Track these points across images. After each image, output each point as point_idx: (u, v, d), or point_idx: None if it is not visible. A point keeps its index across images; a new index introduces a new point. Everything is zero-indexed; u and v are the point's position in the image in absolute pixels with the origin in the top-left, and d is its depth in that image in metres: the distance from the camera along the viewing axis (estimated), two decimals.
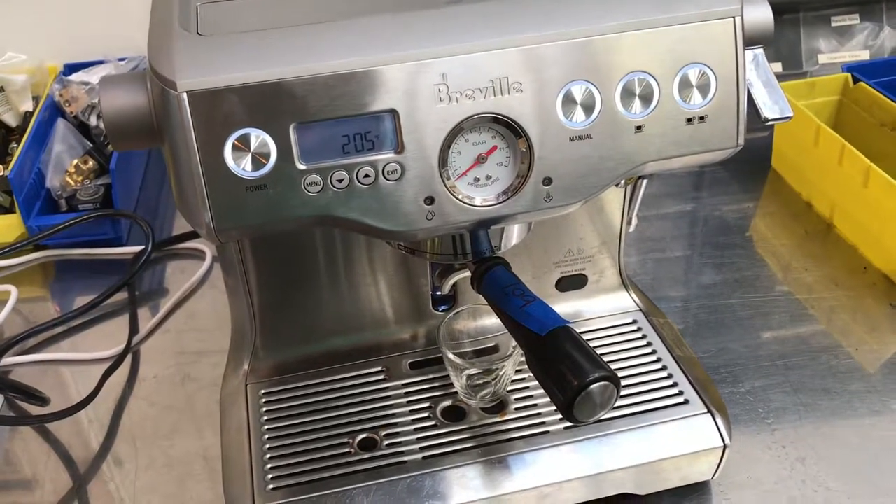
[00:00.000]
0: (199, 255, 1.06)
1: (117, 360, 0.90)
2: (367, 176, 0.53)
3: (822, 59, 1.28)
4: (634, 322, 0.81)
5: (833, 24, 1.29)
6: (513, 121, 0.54)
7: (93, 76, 1.15)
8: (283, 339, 0.77)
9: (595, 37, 0.54)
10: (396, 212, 0.54)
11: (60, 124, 1.10)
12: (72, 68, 1.20)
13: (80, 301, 0.98)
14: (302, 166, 0.52)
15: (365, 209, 0.54)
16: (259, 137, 0.51)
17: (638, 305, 0.83)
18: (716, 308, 0.94)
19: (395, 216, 0.54)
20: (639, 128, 0.56)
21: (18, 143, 1.06)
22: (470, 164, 0.55)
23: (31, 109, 1.16)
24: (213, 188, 0.51)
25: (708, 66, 0.56)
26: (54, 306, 1.01)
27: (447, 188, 0.55)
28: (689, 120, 0.56)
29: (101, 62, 1.19)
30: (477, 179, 0.56)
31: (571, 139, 0.55)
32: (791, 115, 0.60)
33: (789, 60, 1.28)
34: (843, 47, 1.30)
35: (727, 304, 0.95)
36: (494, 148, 0.55)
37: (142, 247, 1.03)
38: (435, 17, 0.54)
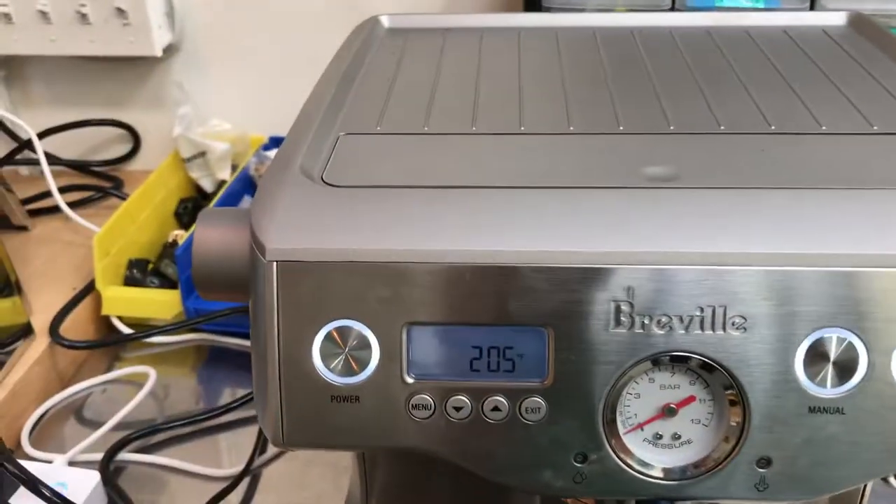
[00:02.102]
0: None
1: (230, 485, 0.79)
2: (496, 409, 0.38)
3: None
4: None
5: None
6: (726, 369, 0.36)
7: None
8: None
9: (878, 269, 0.35)
10: (531, 466, 0.38)
11: (246, 201, 1.04)
12: (276, 142, 1.15)
13: (223, 397, 0.90)
14: (410, 380, 0.38)
15: (486, 455, 0.38)
16: (359, 334, 0.37)
17: None
18: None
19: (528, 471, 0.38)
20: None
21: None
22: (652, 415, 0.38)
23: (226, 179, 1.12)
24: (291, 388, 0.38)
25: None
26: (196, 397, 0.93)
27: (611, 446, 0.38)
28: None
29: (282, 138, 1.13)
30: (658, 437, 0.39)
31: (812, 410, 0.37)
32: None
33: None
34: None
35: None
36: (691, 399, 0.38)
37: None
38: (632, 202, 0.38)
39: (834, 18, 0.60)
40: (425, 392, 0.38)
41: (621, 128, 0.45)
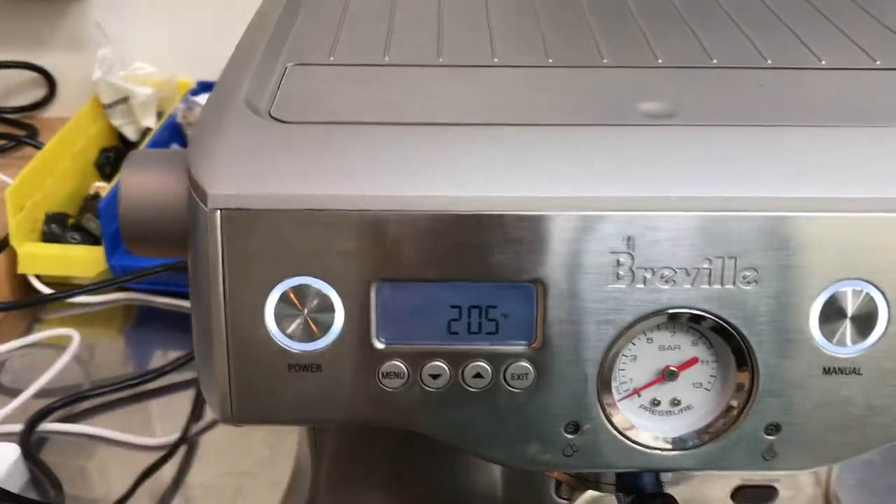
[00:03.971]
0: None
1: (166, 455, 0.74)
2: (478, 376, 0.33)
3: None
4: None
5: None
6: (734, 327, 0.33)
7: None
8: (347, 493, 0.58)
9: None
10: (517, 437, 0.34)
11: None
12: (205, 87, 1.08)
13: (154, 360, 0.84)
14: (380, 346, 0.33)
15: (466, 426, 0.34)
16: (320, 293, 0.32)
17: None
18: None
19: (514, 444, 0.34)
20: None
21: None
22: (650, 379, 0.34)
23: (152, 126, 1.04)
24: (240, 357, 0.33)
25: None
26: (126, 361, 0.87)
27: (605, 415, 0.34)
28: None
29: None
30: (656, 403, 0.35)
31: (827, 371, 0.33)
32: None
33: None
34: None
35: None
36: (694, 361, 0.34)
37: None
38: (630, 141, 0.34)
39: None
40: (397, 358, 0.33)
41: (605, 60, 0.41)
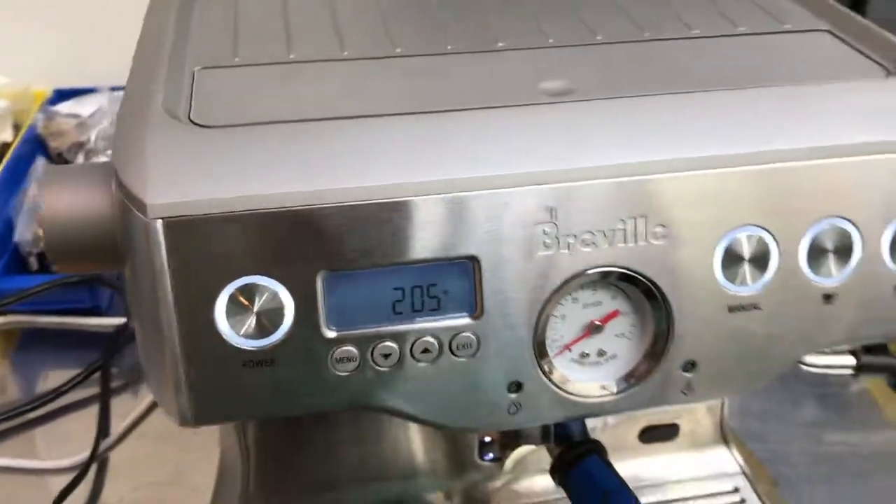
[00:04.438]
0: None
1: (78, 475, 0.72)
2: (426, 351, 0.35)
3: None
4: (736, 491, 0.63)
5: None
6: (650, 280, 0.36)
7: (84, 107, 0.98)
8: (282, 488, 0.59)
9: (780, 164, 0.36)
10: (465, 402, 0.36)
11: (40, 164, 0.93)
12: (62, 95, 1.03)
13: (46, 381, 0.81)
14: (331, 334, 0.34)
15: (418, 397, 0.36)
16: (268, 290, 0.33)
17: (741, 468, 0.64)
18: (820, 456, 0.76)
19: (461, 408, 0.36)
20: (828, 297, 0.38)
21: None
22: (577, 335, 0.37)
23: (9, 140, 0.99)
24: (194, 361, 0.34)
25: None
26: (15, 386, 0.83)
27: (542, 371, 0.37)
28: None
29: (92, 90, 1.02)
30: (584, 355, 0.38)
31: (731, 309, 0.37)
32: None
33: None
34: None
35: (837, 452, 0.76)
36: (615, 313, 0.38)
37: (123, 319, 0.85)
38: (541, 118, 0.36)
39: None
40: (348, 344, 0.35)
41: (501, 44, 0.43)
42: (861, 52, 0.43)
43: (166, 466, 0.75)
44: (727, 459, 0.65)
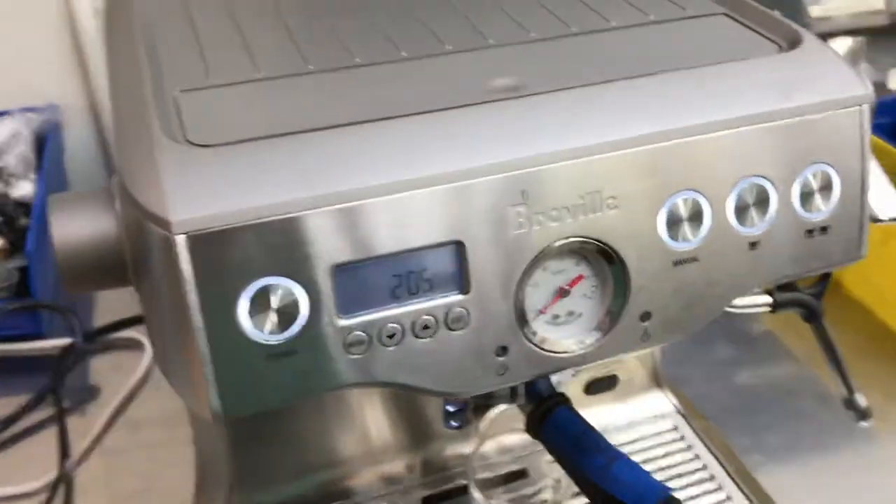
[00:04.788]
0: (136, 345, 0.89)
1: (49, 497, 0.73)
2: (426, 328, 0.40)
3: None
4: (675, 429, 0.70)
5: None
6: (608, 245, 0.42)
7: None
8: (265, 477, 0.62)
9: (706, 135, 0.42)
10: (462, 369, 0.41)
11: None
12: None
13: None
14: (343, 322, 0.39)
15: (424, 369, 0.41)
16: (285, 289, 0.37)
17: (676, 408, 0.72)
18: (740, 391, 0.84)
19: (460, 375, 0.41)
20: (753, 244, 0.45)
21: None
22: (550, 300, 0.43)
23: None
24: (222, 359, 0.37)
25: (831, 166, 0.45)
26: None
27: (524, 334, 0.42)
28: (810, 231, 0.46)
29: (3, 114, 1.01)
30: (556, 317, 0.43)
31: (676, 263, 0.43)
32: None
33: None
34: None
35: (752, 384, 0.85)
36: (580, 278, 0.43)
37: (67, 340, 0.86)
38: (503, 114, 0.41)
39: None
40: (358, 329, 0.39)
41: (449, 47, 0.48)
42: (757, 32, 0.50)
43: (135, 477, 0.77)
44: (663, 402, 0.72)
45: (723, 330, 0.91)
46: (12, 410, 0.80)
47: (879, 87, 1.26)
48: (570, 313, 0.44)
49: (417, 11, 0.52)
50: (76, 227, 0.39)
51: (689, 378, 0.85)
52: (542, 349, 0.43)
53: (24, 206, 0.91)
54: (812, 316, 0.60)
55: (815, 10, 1.14)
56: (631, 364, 0.71)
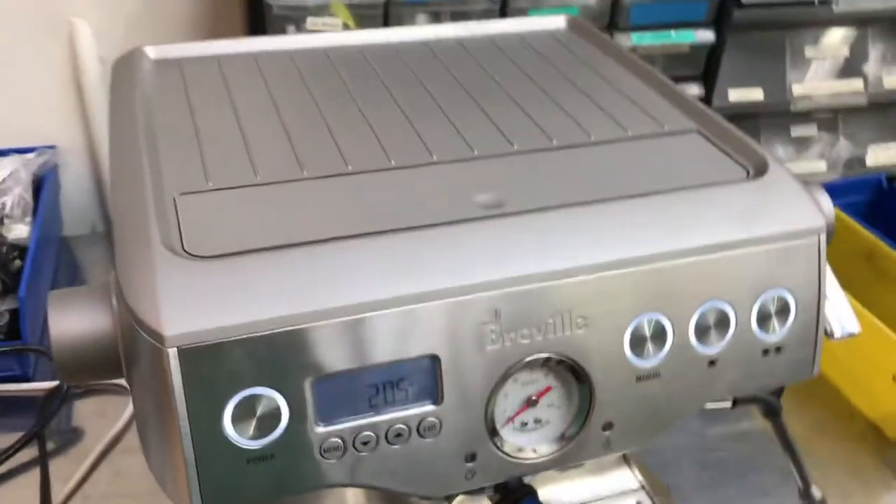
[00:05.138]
0: (121, 390, 0.91)
1: None
2: (398, 435, 0.43)
3: None
4: None
5: (792, 135, 1.26)
6: (576, 362, 0.45)
7: None
8: None
9: (672, 261, 0.45)
10: (431, 474, 0.44)
11: None
12: None
13: None
14: (320, 429, 0.41)
15: (393, 473, 0.43)
16: (267, 398, 0.40)
17: (641, 484, 0.74)
18: (707, 462, 0.87)
19: (428, 479, 0.44)
20: (712, 363, 0.47)
21: None
22: (518, 409, 0.45)
23: None
24: (205, 462, 0.40)
25: (789, 291, 0.48)
26: None
27: (492, 442, 0.45)
28: (766, 351, 0.48)
29: (2, 154, 1.03)
30: (525, 424, 0.46)
31: (639, 379, 0.46)
32: (858, 331, 0.53)
33: None
34: (800, 156, 1.27)
35: (719, 458, 0.88)
36: (548, 389, 0.46)
37: (53, 383, 0.88)
38: (482, 234, 0.44)
39: (556, 22, 0.70)
40: (334, 436, 0.41)
41: (434, 157, 0.51)
42: (726, 154, 0.53)
43: None
44: (629, 478, 0.75)
45: None
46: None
47: (858, 162, 1.30)
48: (538, 421, 0.46)
49: (410, 118, 0.55)
50: (73, 323, 0.41)
51: (658, 449, 0.88)
52: (509, 456, 0.45)
53: (18, 248, 0.93)
54: (770, 412, 0.62)
55: (797, 89, 1.18)
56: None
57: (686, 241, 0.46)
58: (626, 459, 0.75)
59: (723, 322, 0.47)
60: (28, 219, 0.95)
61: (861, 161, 1.29)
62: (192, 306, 0.39)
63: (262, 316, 0.39)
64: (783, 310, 0.48)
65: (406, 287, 0.41)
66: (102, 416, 0.88)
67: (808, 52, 1.19)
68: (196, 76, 0.59)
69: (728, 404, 0.62)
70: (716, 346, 0.47)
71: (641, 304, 0.45)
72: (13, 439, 0.83)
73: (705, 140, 0.54)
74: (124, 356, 0.42)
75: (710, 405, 0.60)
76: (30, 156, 1.02)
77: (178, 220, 0.44)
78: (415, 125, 0.54)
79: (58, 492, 0.80)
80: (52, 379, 0.89)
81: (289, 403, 0.40)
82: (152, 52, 0.61)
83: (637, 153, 0.53)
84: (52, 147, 1.05)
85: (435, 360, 0.42)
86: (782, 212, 0.48)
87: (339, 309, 0.40)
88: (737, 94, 1.16)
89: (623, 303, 0.45)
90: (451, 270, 0.42)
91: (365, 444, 0.42)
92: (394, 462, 0.43)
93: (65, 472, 0.82)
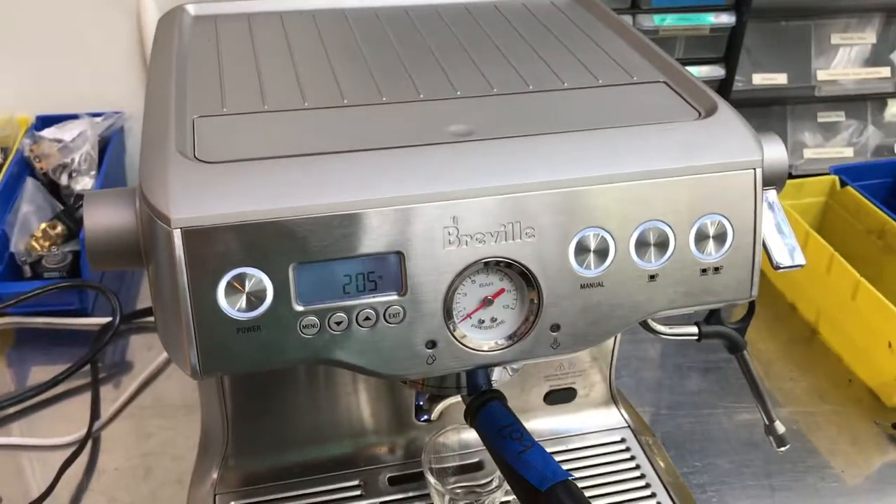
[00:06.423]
0: None
1: (77, 450, 0.85)
2: (367, 319, 0.50)
3: (808, 153, 1.28)
4: (623, 441, 0.79)
5: (819, 120, 1.29)
6: (524, 267, 0.51)
7: (66, 132, 1.10)
8: (256, 448, 0.73)
9: (613, 184, 0.52)
10: (395, 356, 0.51)
11: (29, 183, 1.05)
12: (44, 121, 1.15)
13: (39, 375, 0.93)
14: (299, 308, 0.49)
15: (362, 352, 0.51)
16: (255, 277, 0.48)
17: (627, 422, 0.80)
18: (701, 418, 0.92)
19: (393, 360, 0.51)
20: (652, 277, 0.54)
21: None
22: (475, 307, 0.52)
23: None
24: (202, 328, 0.48)
25: (725, 217, 0.54)
26: (11, 380, 0.95)
27: (450, 332, 0.52)
28: (704, 270, 0.54)
29: (74, 117, 1.14)
30: (482, 322, 0.53)
31: (583, 286, 0.53)
32: (804, 262, 0.59)
33: None
34: (828, 143, 1.30)
35: (713, 414, 0.93)
36: (502, 291, 0.53)
37: (108, 319, 0.98)
38: (448, 154, 0.51)
39: None
40: (311, 315, 0.49)
41: (421, 95, 0.58)
42: (685, 100, 0.59)
43: (151, 440, 0.88)
44: (616, 416, 0.80)
45: (697, 360, 0.99)
46: (53, 376, 0.92)
47: (887, 150, 1.32)
48: (493, 319, 0.53)
49: (406, 65, 0.62)
50: (103, 217, 0.50)
51: (657, 402, 0.93)
52: (465, 346, 0.52)
53: (83, 198, 1.04)
54: (734, 347, 0.67)
55: (821, 74, 1.21)
56: (591, 378, 0.79)
57: (629, 166, 0.52)
58: (614, 399, 0.81)
59: (662, 241, 0.53)
60: (93, 173, 1.06)
61: (890, 149, 1.31)
62: (196, 197, 0.47)
63: (254, 207, 0.47)
64: (721, 234, 0.54)
65: (378, 192, 0.49)
66: (149, 350, 0.98)
67: (834, 39, 1.22)
68: (227, 29, 0.68)
69: (694, 337, 0.68)
70: (655, 263, 0.53)
71: (585, 220, 0.52)
72: (69, 365, 0.93)
73: (669, 89, 0.60)
74: (143, 245, 0.50)
75: (676, 336, 0.66)
76: (98, 119, 1.13)
77: (193, 135, 0.52)
78: (409, 70, 0.62)
79: (105, 410, 0.90)
80: (107, 316, 0.99)
81: (273, 283, 0.48)
82: (192, 9, 0.70)
83: (603, 98, 0.59)
84: (118, 112, 1.16)
85: (400, 255, 0.49)
86: (721, 146, 0.54)
87: (320, 206, 0.48)
88: (760, 78, 1.20)
89: (568, 217, 0.51)
90: (417, 180, 0.49)
91: (338, 324, 0.50)
92: (363, 343, 0.50)
93: (112, 395, 0.92)
